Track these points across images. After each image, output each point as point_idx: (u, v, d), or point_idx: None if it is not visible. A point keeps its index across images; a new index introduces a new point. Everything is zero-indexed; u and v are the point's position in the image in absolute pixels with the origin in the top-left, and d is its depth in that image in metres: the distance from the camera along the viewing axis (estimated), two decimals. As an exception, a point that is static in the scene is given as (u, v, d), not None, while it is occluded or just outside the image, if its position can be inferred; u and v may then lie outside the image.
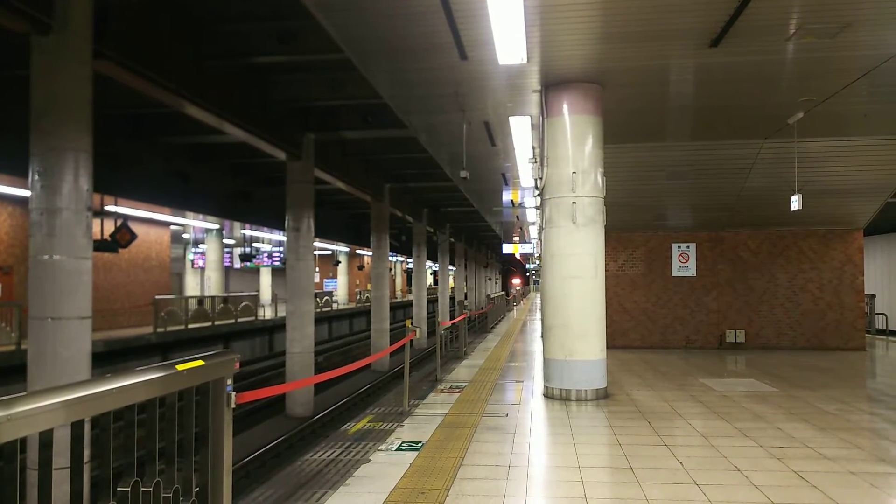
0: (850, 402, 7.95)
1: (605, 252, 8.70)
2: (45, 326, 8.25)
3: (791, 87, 8.58)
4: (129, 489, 2.10)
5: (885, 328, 18.07)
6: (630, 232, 14.25)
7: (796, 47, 7.15)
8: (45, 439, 1.75)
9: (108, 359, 15.93)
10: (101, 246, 15.13)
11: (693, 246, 14.22)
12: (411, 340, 8.31)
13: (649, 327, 14.27)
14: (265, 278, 41.11)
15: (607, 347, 8.55)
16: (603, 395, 8.25)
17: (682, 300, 14.22)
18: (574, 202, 8.18)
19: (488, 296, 22.09)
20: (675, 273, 14.24)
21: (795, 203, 10.05)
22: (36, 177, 8.27)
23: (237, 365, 2.75)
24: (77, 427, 1.87)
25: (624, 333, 14.21)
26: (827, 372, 10.67)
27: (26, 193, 8.70)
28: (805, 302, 13.99)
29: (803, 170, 10.85)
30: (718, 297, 14.16)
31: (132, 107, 14.15)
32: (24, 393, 1.69)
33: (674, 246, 14.25)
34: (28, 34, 8.22)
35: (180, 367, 2.37)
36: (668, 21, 6.54)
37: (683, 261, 14.20)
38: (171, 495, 2.32)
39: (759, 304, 14.08)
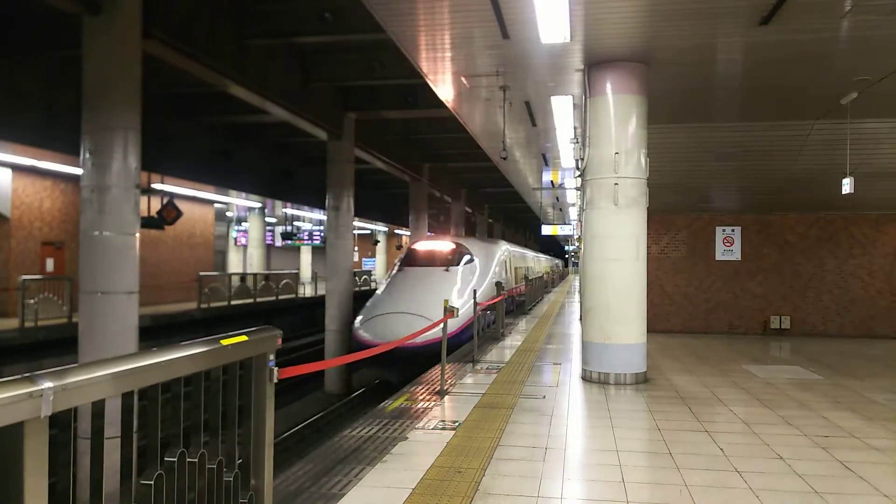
0: (900, 393, 7.71)
1: (647, 234, 8.56)
2: (94, 300, 8.53)
3: (845, 67, 8.25)
4: (175, 459, 2.16)
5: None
6: (673, 214, 13.99)
7: (851, 25, 6.84)
8: (97, 409, 1.81)
9: (154, 333, 16.39)
10: (148, 223, 15.53)
11: (738, 229, 13.90)
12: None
13: (691, 312, 14.05)
14: (305, 256, 41.70)
15: (648, 331, 8.45)
16: (642, 380, 8.16)
17: (726, 284, 13.95)
18: (616, 183, 8.05)
19: (525, 277, 21.90)
20: (718, 257, 13.96)
21: (847, 186, 9.72)
22: (87, 154, 8.51)
23: (279, 341, 2.79)
24: (127, 398, 1.93)
25: (665, 318, 14.02)
26: (876, 360, 10.38)
27: (78, 171, 8.96)
28: (854, 288, 13.59)
29: (856, 152, 10.46)
30: (763, 281, 13.84)
31: (177, 86, 14.41)
32: (76, 364, 1.74)
33: (718, 229, 13.95)
34: (80, 14, 8.42)
35: (225, 343, 2.41)
36: (716, -3, 6.33)
37: (728, 244, 13.90)
38: (215, 466, 2.38)
39: (805, 290, 13.73)
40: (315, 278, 33.36)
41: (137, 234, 8.85)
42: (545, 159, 16.07)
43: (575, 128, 11.50)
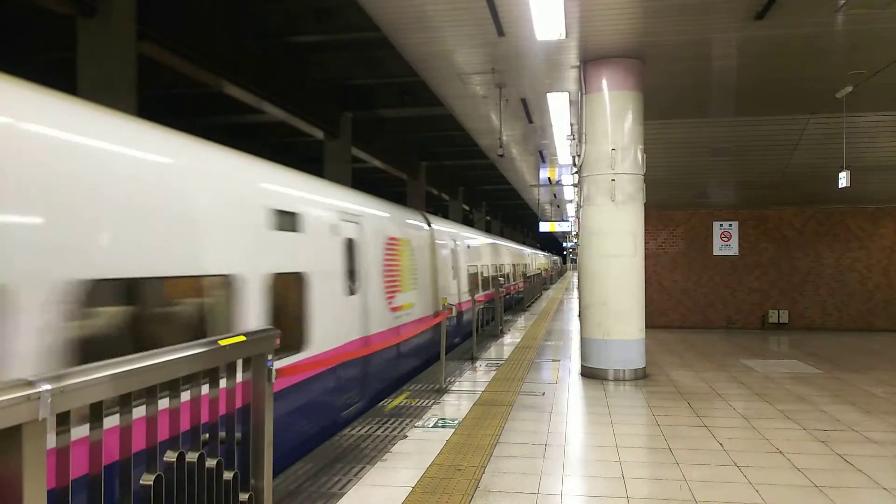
0: (899, 385, 7.72)
1: (645, 230, 8.57)
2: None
3: (840, 61, 8.25)
4: (174, 460, 2.16)
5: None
6: (671, 210, 14.00)
7: (846, 19, 6.85)
8: (96, 411, 1.81)
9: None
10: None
11: (735, 224, 13.91)
12: (447, 318, 8.34)
13: (689, 307, 14.06)
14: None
15: (646, 327, 8.46)
16: (641, 376, 8.18)
17: (724, 279, 13.96)
18: (613, 179, 8.06)
19: (524, 274, 21.86)
20: (716, 252, 13.97)
21: (843, 180, 9.73)
22: (83, 157, 8.48)
23: (278, 341, 2.79)
24: (125, 399, 1.93)
25: (663, 313, 14.03)
26: (874, 354, 10.39)
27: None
28: (852, 282, 13.61)
29: (852, 145, 10.48)
30: (761, 276, 13.86)
31: (172, 87, 14.36)
32: (75, 367, 1.74)
33: (716, 224, 13.96)
34: (74, 17, 8.40)
35: (223, 343, 2.41)
36: (711, -8, 6.33)
37: (725, 239, 13.92)
38: (214, 466, 2.38)
39: (803, 284, 13.75)
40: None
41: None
42: (542, 156, 16.07)
43: (571, 124, 11.50)
